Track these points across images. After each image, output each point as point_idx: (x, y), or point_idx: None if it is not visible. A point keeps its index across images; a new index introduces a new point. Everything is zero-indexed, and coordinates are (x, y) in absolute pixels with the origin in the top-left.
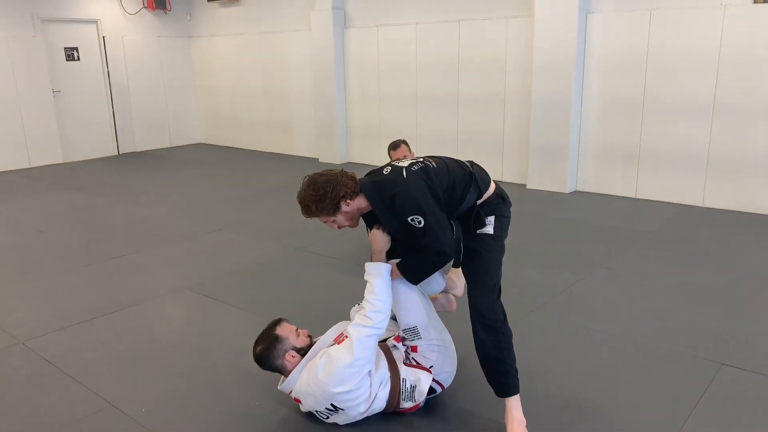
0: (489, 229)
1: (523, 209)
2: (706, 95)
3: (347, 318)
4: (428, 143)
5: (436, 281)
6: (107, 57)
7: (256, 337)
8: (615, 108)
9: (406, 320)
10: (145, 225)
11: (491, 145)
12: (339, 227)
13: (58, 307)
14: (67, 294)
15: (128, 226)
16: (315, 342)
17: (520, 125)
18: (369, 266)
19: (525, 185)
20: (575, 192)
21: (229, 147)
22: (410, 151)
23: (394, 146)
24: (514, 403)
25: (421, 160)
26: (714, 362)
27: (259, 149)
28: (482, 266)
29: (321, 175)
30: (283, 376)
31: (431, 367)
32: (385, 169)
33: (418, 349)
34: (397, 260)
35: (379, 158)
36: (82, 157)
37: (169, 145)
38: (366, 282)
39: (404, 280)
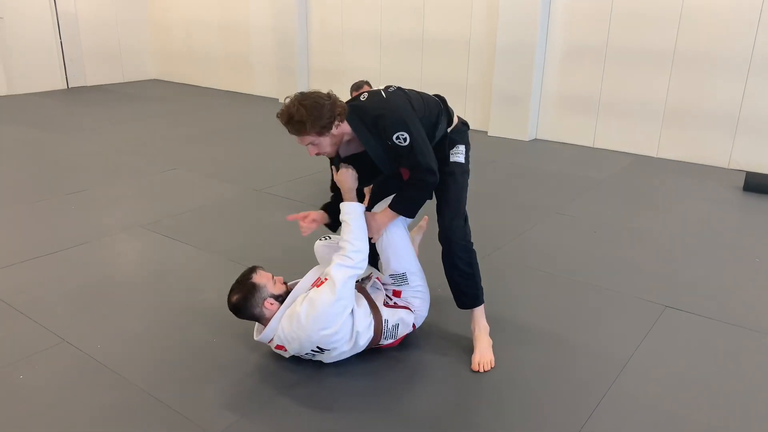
0: (461, 158)
1: (484, 156)
2: (666, 46)
3: (306, 258)
4: None
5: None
6: None
7: (226, 282)
8: (578, 56)
9: (396, 266)
10: (97, 162)
11: (454, 90)
12: (317, 154)
13: (7, 243)
14: (16, 230)
15: (79, 163)
16: (291, 289)
17: (484, 71)
18: (344, 206)
19: (486, 132)
20: (535, 140)
21: (184, 84)
22: None
23: (357, 87)
24: (479, 312)
25: (393, 86)
26: (658, 305)
27: (216, 87)
28: (456, 193)
29: (311, 92)
30: (259, 326)
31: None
32: (362, 96)
33: (402, 295)
34: (382, 205)
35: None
36: (28, 89)
37: (121, 80)
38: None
39: (397, 224)
